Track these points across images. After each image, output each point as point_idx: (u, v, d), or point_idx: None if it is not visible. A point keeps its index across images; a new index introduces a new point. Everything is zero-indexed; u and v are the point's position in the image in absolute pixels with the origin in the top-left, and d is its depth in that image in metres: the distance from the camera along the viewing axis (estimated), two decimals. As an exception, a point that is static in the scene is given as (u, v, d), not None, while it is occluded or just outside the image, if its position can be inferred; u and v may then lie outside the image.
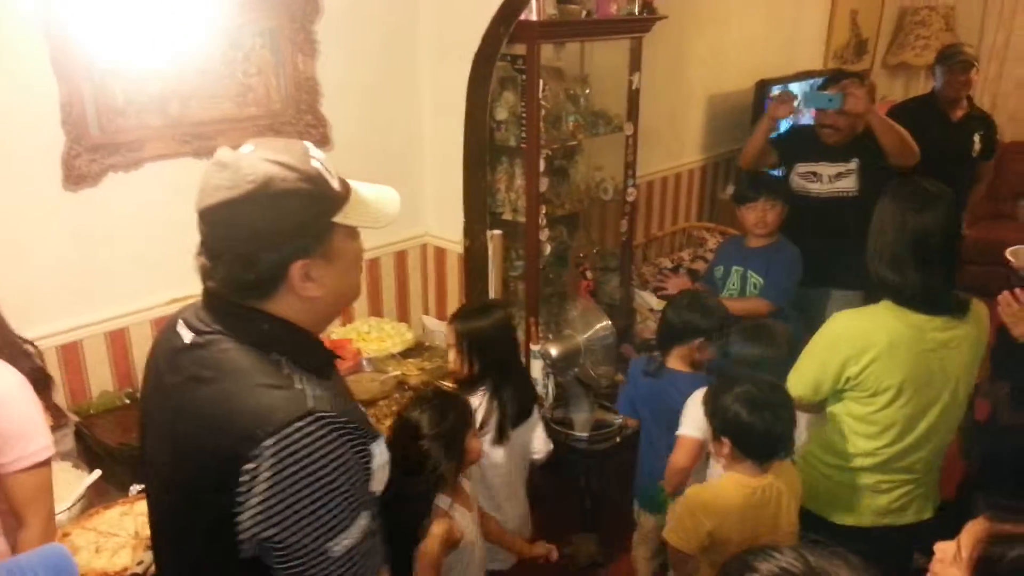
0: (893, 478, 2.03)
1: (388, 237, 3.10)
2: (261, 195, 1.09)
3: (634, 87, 3.30)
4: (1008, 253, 2.95)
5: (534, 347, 3.06)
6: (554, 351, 3.00)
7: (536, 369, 3.08)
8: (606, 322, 3.04)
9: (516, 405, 2.24)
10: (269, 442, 1.04)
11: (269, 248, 1.11)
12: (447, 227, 3.12)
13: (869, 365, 1.91)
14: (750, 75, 4.34)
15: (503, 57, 2.89)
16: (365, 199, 1.21)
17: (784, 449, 1.92)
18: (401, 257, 3.18)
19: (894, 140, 3.13)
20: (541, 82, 2.87)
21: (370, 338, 2.87)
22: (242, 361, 1.14)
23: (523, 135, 2.97)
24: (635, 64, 3.28)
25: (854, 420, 2.00)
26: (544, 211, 3.04)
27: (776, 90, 4.02)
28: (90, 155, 2.23)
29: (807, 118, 3.55)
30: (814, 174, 3.29)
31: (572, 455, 3.09)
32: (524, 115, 2.94)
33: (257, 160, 1.10)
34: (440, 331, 3.08)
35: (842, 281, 3.21)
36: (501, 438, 2.21)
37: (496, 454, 2.23)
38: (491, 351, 2.22)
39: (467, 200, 3.04)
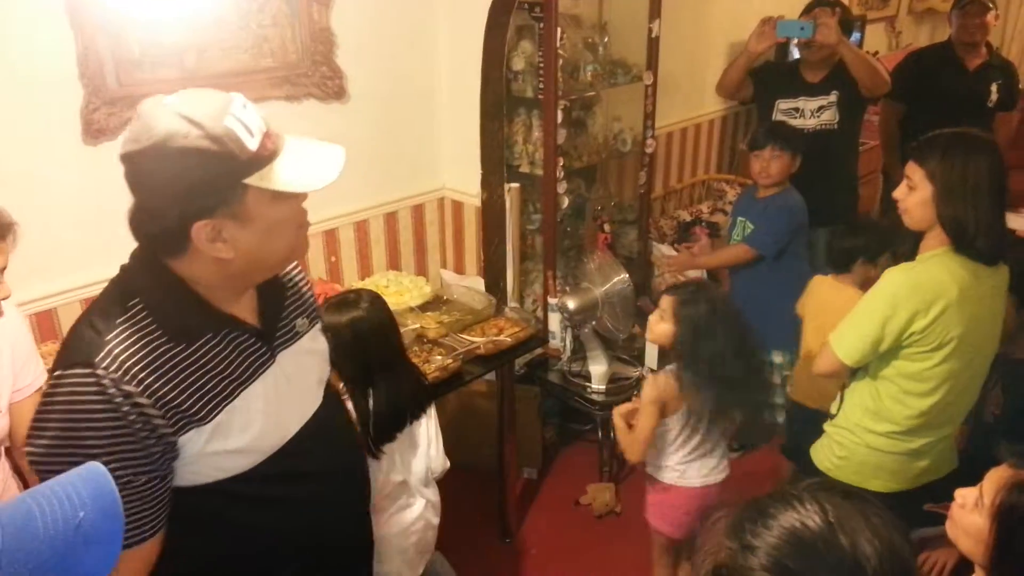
0: (937, 435, 2.01)
1: (405, 191, 3.10)
2: (160, 151, 1.07)
3: (654, 35, 3.24)
4: None
5: (552, 300, 3.06)
6: (571, 304, 3.01)
7: (554, 322, 3.09)
8: (623, 275, 3.05)
9: (386, 415, 1.94)
10: (51, 380, 1.16)
11: (169, 204, 1.11)
12: (464, 180, 3.11)
13: (939, 317, 1.85)
14: (772, 22, 4.24)
15: (520, 5, 2.84)
16: (294, 162, 1.17)
17: None
18: (418, 211, 3.17)
19: (864, 69, 3.19)
20: (559, 30, 2.81)
21: (388, 292, 2.88)
22: (100, 300, 1.23)
23: (540, 86, 2.93)
24: (655, 11, 3.21)
25: (906, 379, 1.94)
26: (562, 163, 3.01)
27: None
28: (108, 108, 2.22)
29: (795, 53, 3.53)
30: (796, 110, 3.31)
31: (589, 407, 3.13)
32: (541, 65, 2.89)
33: (167, 113, 1.08)
34: (459, 284, 3.09)
35: (827, 218, 3.24)
36: (371, 452, 1.92)
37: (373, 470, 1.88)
38: (348, 352, 1.87)
39: (484, 153, 3.01)
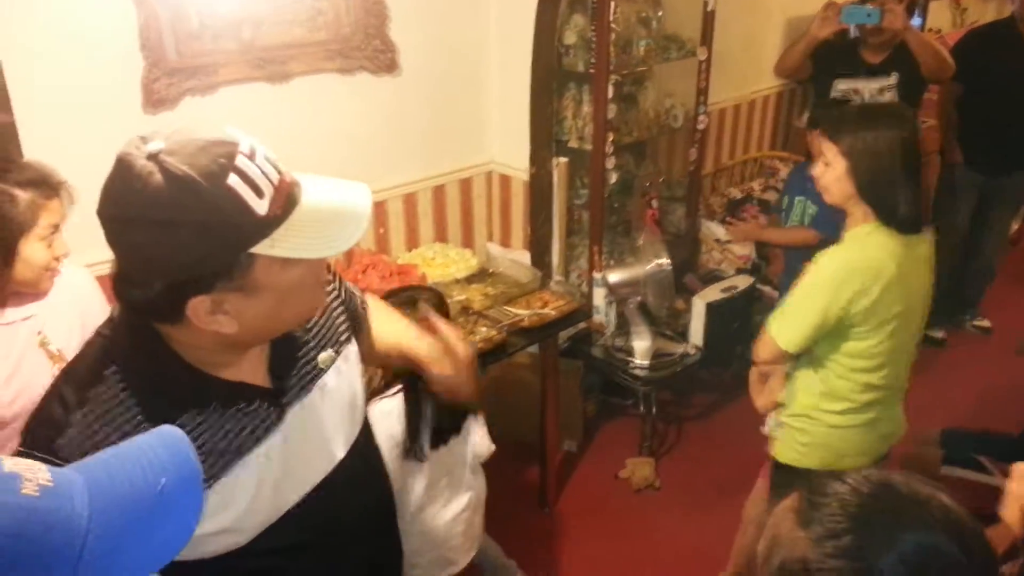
0: (889, 402, 2.04)
1: (453, 164, 3.12)
2: (143, 222, 0.88)
3: (709, 9, 3.19)
4: None
5: (596, 275, 3.07)
6: (612, 278, 3.01)
7: (598, 297, 3.11)
8: (664, 259, 3.02)
9: (446, 426, 1.98)
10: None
11: (157, 279, 0.92)
12: (513, 154, 3.12)
13: (881, 296, 1.85)
14: (833, -4, 4.14)
15: (573, -21, 2.83)
16: (311, 219, 0.95)
17: None
18: (466, 184, 3.20)
19: (929, 54, 3.16)
20: (612, 4, 2.80)
21: (435, 263, 2.93)
22: (76, 362, 1.06)
23: (592, 60, 2.92)
24: (710, -15, 3.17)
25: (853, 358, 1.94)
26: (611, 139, 3.01)
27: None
28: (168, 79, 2.29)
29: (854, 33, 3.44)
30: (855, 91, 3.25)
31: (632, 382, 3.14)
32: (594, 39, 2.88)
33: (151, 171, 0.87)
34: (505, 257, 3.12)
35: None
36: (414, 454, 1.95)
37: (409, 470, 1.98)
38: None
39: (533, 127, 3.02)
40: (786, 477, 2.06)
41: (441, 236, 3.17)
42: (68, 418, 0.98)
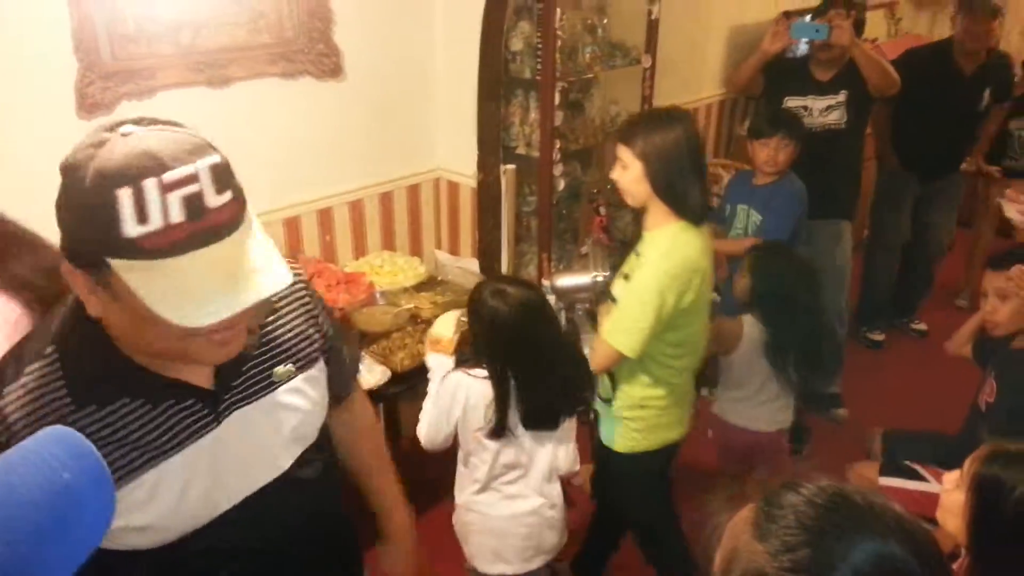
0: (689, 372, 2.22)
1: (400, 171, 3.09)
2: (65, 173, 0.93)
3: (653, 17, 3.23)
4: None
5: (545, 282, 3.07)
6: (560, 284, 3.01)
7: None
8: (602, 273, 3.02)
9: (539, 409, 2.00)
10: None
11: (59, 225, 0.95)
12: (460, 161, 3.11)
13: (700, 288, 2.03)
14: (774, 6, 4.22)
15: (519, -15, 2.83)
16: (178, 278, 0.89)
17: None
18: (414, 191, 3.17)
19: (876, 71, 3.22)
20: (558, 11, 2.80)
21: (383, 271, 2.89)
22: (33, 332, 1.10)
23: (538, 66, 2.92)
24: (655, -6, 3.20)
25: (673, 347, 2.10)
26: (558, 146, 3.01)
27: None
28: (103, 83, 2.21)
29: (803, 49, 3.52)
30: (804, 108, 3.30)
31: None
32: (540, 46, 2.88)
33: (94, 150, 0.91)
34: (454, 265, 3.10)
35: (836, 211, 3.36)
36: (497, 432, 1.98)
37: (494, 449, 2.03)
38: (484, 338, 1.98)
39: (481, 133, 3.01)
40: (628, 463, 2.24)
41: (389, 244, 3.14)
42: (1, 390, 1.01)
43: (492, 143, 3.01)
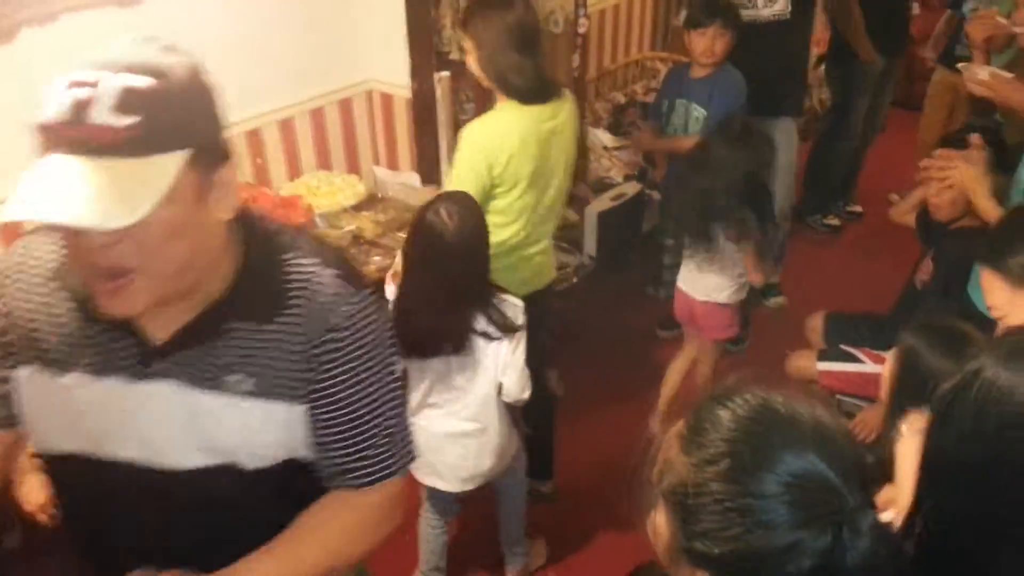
0: (529, 252, 2.34)
1: (330, 85, 2.95)
2: None
3: (583, -94, 3.09)
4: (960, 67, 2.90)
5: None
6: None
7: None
8: None
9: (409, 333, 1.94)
10: None
11: None
12: (392, 71, 2.97)
13: (508, 163, 2.14)
14: None
15: None
16: (37, 176, 0.88)
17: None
18: (346, 105, 3.04)
19: None
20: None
21: (320, 192, 2.80)
22: None
23: (467, -34, 2.78)
24: None
25: (496, 214, 2.22)
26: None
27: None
28: (-3, 9, 2.03)
29: None
30: (749, 0, 3.21)
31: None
32: (467, -58, 2.74)
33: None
34: (394, 181, 3.02)
35: (780, 108, 3.26)
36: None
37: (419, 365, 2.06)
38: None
39: (411, 39, 2.87)
40: None
41: (324, 163, 3.03)
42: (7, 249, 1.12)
43: (424, 49, 2.88)
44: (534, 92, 2.15)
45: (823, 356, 2.62)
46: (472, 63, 2.20)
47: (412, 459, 1.20)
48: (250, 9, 2.59)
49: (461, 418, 2.10)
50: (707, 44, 2.91)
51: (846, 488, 0.82)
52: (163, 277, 0.97)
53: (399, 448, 1.17)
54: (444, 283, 1.95)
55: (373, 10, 2.93)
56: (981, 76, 2.49)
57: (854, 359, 2.56)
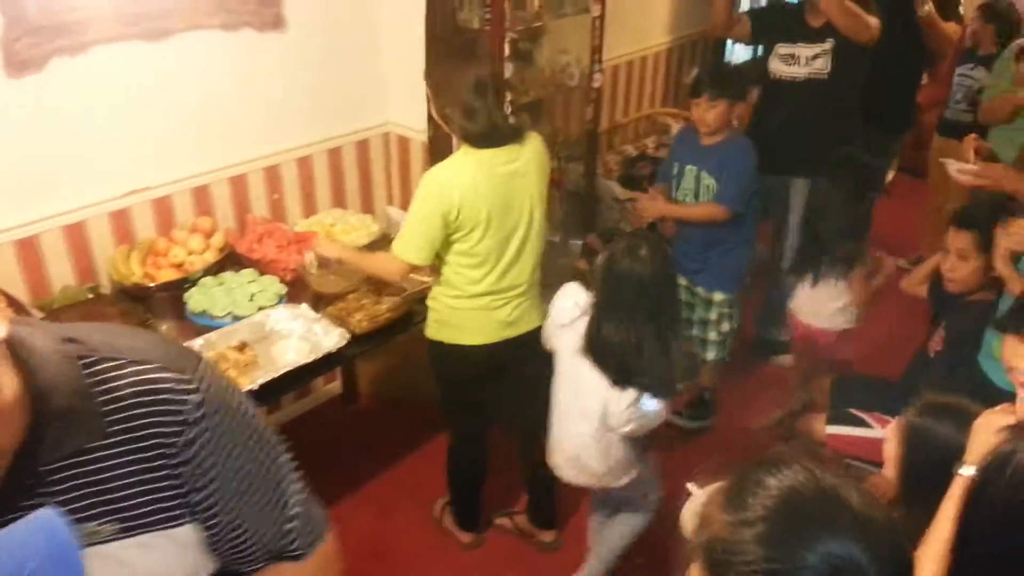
0: (502, 296, 2.36)
1: (349, 126, 3.01)
2: None
3: (602, -35, 3.17)
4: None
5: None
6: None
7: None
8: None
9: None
10: None
11: None
12: (410, 115, 3.03)
13: (461, 205, 2.17)
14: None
15: (466, -68, 2.74)
16: None
17: None
18: (363, 147, 3.09)
19: (847, 22, 3.04)
20: (506, -40, 2.74)
21: (335, 231, 2.83)
22: None
23: (487, 16, 2.85)
24: (603, -60, 3.15)
25: (460, 256, 2.27)
26: (509, 98, 2.96)
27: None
28: (31, 38, 2.08)
29: None
30: (792, 56, 3.22)
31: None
32: (488, -5, 2.82)
33: None
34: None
35: (795, 168, 3.27)
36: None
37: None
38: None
39: (430, 86, 2.93)
40: (433, 349, 2.44)
41: (339, 201, 3.07)
42: None
43: (442, 96, 2.94)
44: (485, 137, 2.18)
45: (831, 419, 2.59)
46: (432, 109, 2.28)
47: (326, 517, 1.12)
48: (273, 49, 2.66)
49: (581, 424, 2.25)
50: (700, 114, 2.89)
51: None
52: None
53: (314, 507, 1.09)
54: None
55: (395, 57, 3.00)
56: (969, 168, 2.54)
57: (863, 423, 2.52)
